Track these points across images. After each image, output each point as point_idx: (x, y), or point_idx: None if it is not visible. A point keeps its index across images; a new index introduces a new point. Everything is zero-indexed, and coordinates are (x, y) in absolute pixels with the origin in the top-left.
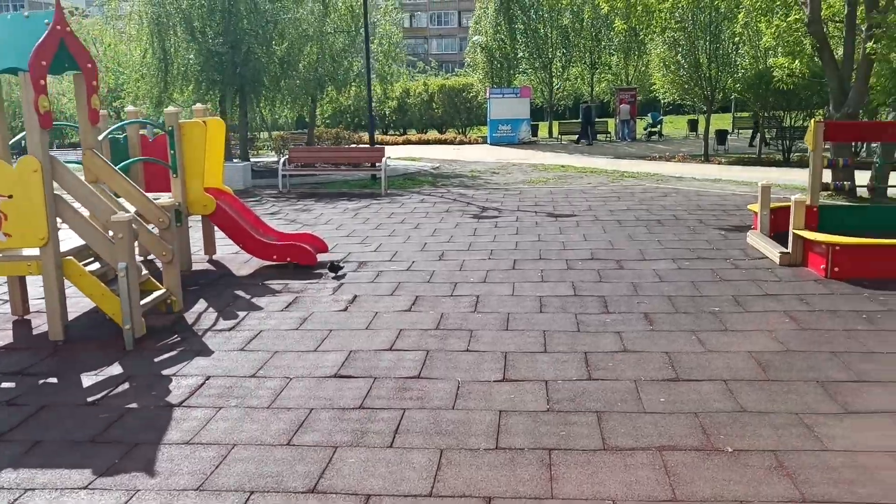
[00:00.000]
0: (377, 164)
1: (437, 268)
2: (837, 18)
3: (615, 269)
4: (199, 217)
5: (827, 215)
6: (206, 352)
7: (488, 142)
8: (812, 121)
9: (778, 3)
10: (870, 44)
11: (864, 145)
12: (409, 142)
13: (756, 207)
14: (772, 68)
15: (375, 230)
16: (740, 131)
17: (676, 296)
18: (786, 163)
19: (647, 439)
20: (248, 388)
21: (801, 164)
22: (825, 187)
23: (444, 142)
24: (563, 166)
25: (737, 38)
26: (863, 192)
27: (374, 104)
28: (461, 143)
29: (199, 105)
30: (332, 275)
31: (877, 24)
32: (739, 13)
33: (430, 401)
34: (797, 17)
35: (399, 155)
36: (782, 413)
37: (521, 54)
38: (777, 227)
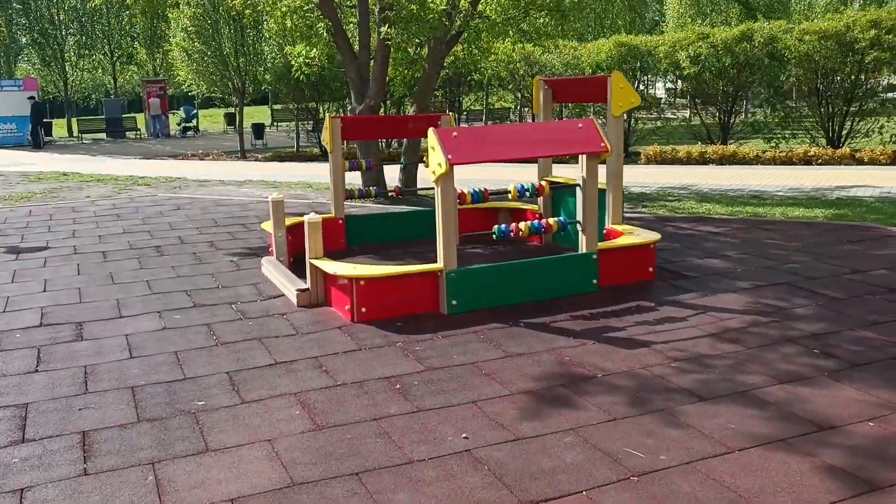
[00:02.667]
0: None
1: None
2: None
3: (70, 340)
4: None
5: (355, 228)
6: None
7: None
8: (327, 117)
9: None
10: (384, 28)
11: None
12: None
13: (270, 226)
14: (290, 56)
15: None
16: (279, 124)
17: (146, 385)
18: (324, 156)
19: None
20: None
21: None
22: (350, 194)
23: None
24: (65, 174)
25: (245, 20)
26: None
27: None
28: None
29: None
30: None
31: (388, 6)
32: None
33: None
34: None
35: None
36: None
37: (25, 40)
38: (301, 248)
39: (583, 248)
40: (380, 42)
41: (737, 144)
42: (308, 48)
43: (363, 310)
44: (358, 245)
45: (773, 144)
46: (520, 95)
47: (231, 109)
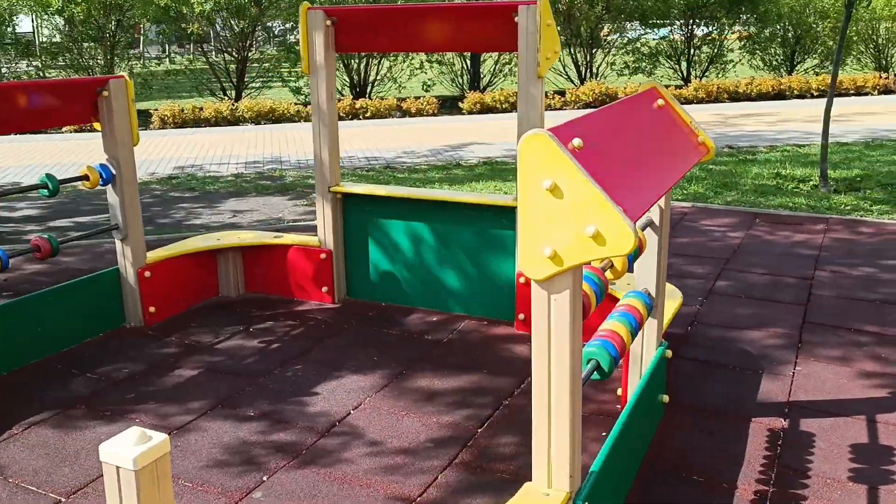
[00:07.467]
0: None
1: None
2: None
3: None
4: None
5: None
6: None
7: None
8: None
9: None
10: None
11: None
12: None
13: None
14: None
15: None
16: None
17: None
18: None
19: None
20: None
21: None
22: None
23: None
24: None
25: None
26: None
27: None
28: None
29: None
30: None
31: None
32: None
33: None
34: None
35: None
36: None
37: None
38: None
39: (650, 342)
40: None
41: (261, 97)
42: None
43: None
44: None
45: (307, 95)
46: None
47: None
